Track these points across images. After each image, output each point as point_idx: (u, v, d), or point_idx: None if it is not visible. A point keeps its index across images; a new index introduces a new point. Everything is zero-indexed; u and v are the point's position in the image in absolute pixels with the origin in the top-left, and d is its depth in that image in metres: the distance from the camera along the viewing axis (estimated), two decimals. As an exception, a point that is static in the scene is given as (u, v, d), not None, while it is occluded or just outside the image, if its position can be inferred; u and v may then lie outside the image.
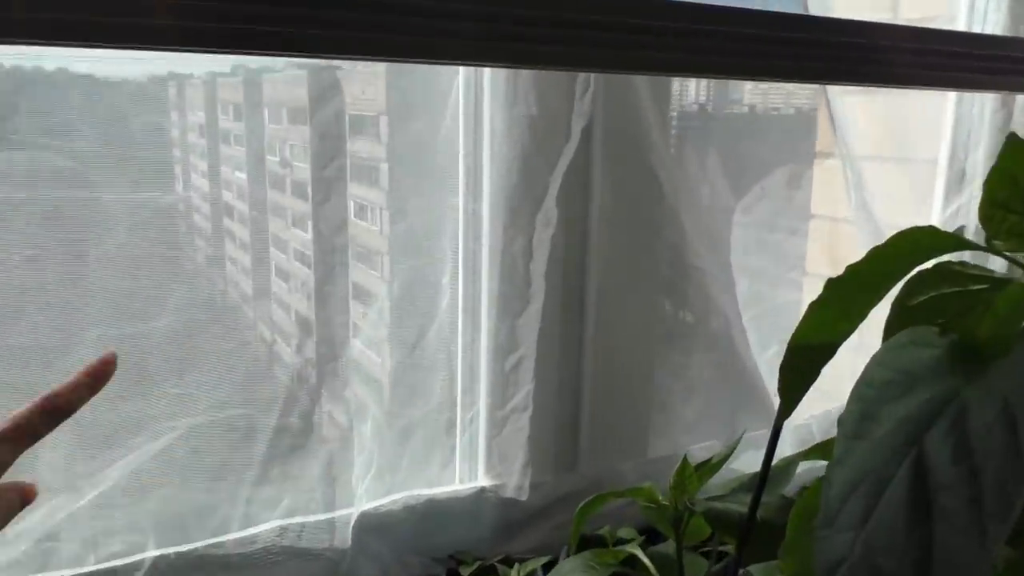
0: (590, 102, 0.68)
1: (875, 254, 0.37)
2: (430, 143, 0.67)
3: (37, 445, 0.57)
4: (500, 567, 0.69)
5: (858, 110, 0.82)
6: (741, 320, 0.80)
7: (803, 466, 0.55)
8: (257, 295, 0.66)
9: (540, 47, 0.47)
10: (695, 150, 0.80)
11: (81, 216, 0.56)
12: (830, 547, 0.31)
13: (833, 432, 0.82)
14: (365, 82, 0.66)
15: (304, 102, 0.64)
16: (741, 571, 0.50)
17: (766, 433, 0.79)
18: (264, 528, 0.64)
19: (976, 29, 0.87)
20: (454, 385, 0.73)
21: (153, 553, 0.60)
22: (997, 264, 0.41)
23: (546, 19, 0.47)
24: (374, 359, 0.70)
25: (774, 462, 0.50)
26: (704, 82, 0.81)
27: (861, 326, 0.39)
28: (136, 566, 0.59)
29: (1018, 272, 0.37)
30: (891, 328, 0.41)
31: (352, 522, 0.66)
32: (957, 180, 0.91)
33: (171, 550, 0.61)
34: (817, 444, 0.53)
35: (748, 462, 0.64)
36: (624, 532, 0.68)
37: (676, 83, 0.78)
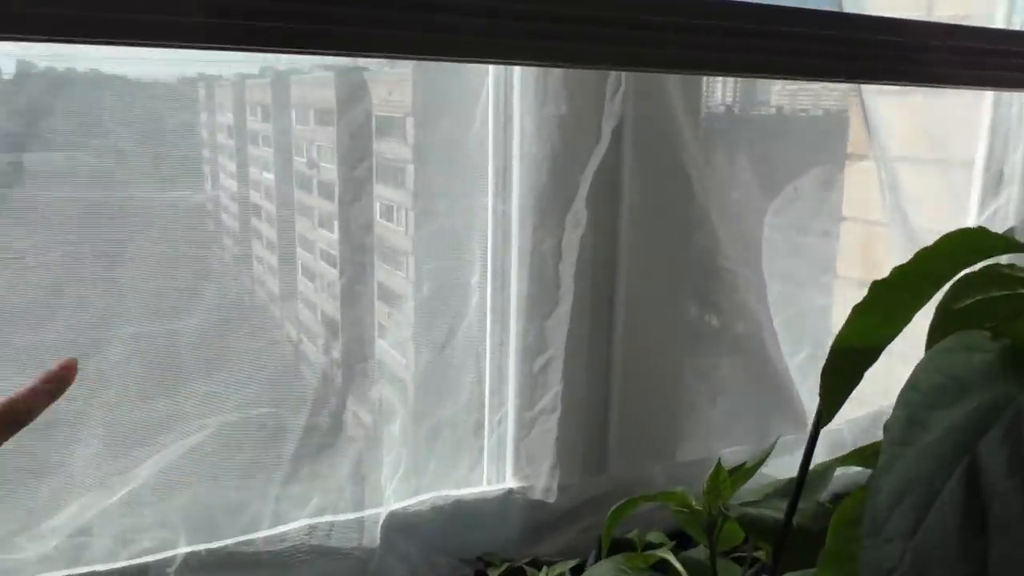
0: (621, 102, 0.68)
1: (922, 256, 0.36)
2: (460, 143, 0.67)
3: (68, 441, 0.59)
4: (528, 569, 0.69)
5: (893, 111, 0.81)
6: (772, 323, 0.79)
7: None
8: (285, 295, 0.66)
9: (570, 44, 0.47)
10: (724, 151, 0.79)
11: (113, 215, 0.57)
12: (878, 556, 0.30)
13: (865, 438, 0.81)
14: (392, 84, 0.67)
15: (331, 103, 0.64)
16: (776, 578, 0.49)
17: (796, 438, 0.78)
18: (293, 527, 0.64)
19: (1016, 26, 0.85)
20: (482, 386, 0.72)
21: (184, 550, 0.61)
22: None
23: (578, 16, 0.46)
24: (402, 360, 0.70)
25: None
26: (731, 83, 0.80)
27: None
28: (168, 562, 0.60)
29: (1071, 276, 0.36)
30: (935, 332, 0.40)
31: (381, 522, 0.66)
32: (994, 182, 0.89)
33: (202, 547, 0.61)
34: (854, 450, 0.52)
35: (777, 468, 0.63)
36: (653, 536, 0.67)
37: (703, 84, 0.77)
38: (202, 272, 0.61)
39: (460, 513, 0.70)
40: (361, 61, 0.63)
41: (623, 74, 0.67)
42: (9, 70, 0.53)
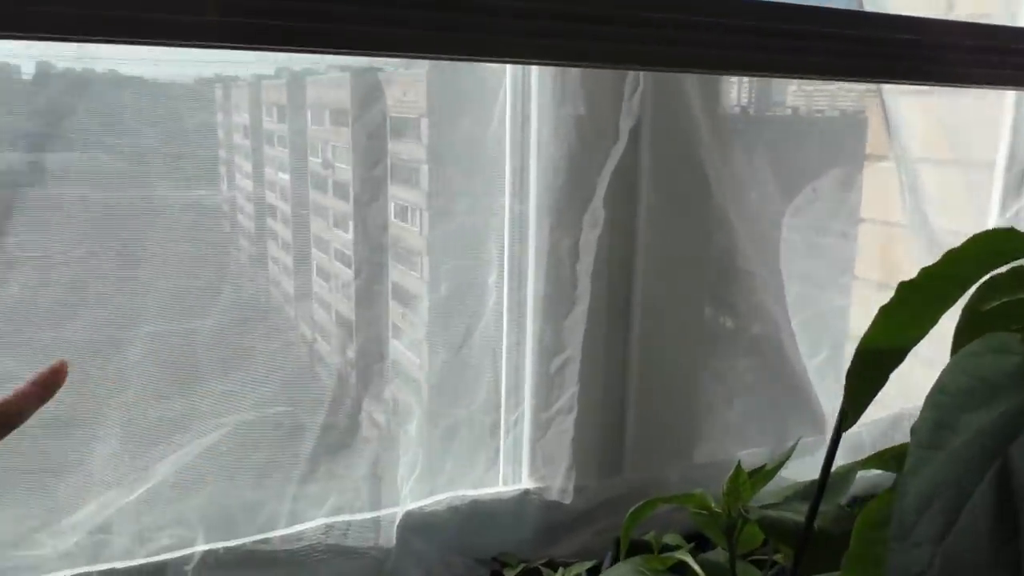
0: (639, 102, 0.67)
1: (950, 257, 0.36)
2: (478, 143, 0.67)
3: (87, 439, 0.59)
4: (544, 570, 0.69)
5: (914, 111, 0.80)
6: (790, 324, 0.79)
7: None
8: (300, 295, 0.66)
9: (588, 43, 0.46)
10: (740, 152, 0.78)
11: (131, 215, 0.57)
12: (907, 560, 0.30)
13: (884, 441, 0.80)
14: (407, 84, 0.67)
15: (346, 104, 0.64)
16: (797, 581, 0.49)
17: (814, 440, 0.78)
18: (310, 526, 0.65)
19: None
20: (499, 387, 0.72)
21: (202, 547, 0.61)
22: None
23: (596, 15, 0.46)
24: (418, 360, 0.70)
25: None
26: (746, 84, 0.80)
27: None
28: (186, 560, 0.60)
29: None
30: (961, 335, 0.40)
31: (397, 521, 0.66)
32: (1016, 183, 0.88)
33: (219, 545, 0.61)
34: (875, 453, 0.51)
35: (796, 470, 0.63)
36: (669, 538, 0.67)
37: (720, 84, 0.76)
38: (219, 272, 0.61)
39: (476, 513, 0.70)
40: (376, 62, 0.63)
41: (641, 74, 0.67)
42: (29, 71, 0.54)
